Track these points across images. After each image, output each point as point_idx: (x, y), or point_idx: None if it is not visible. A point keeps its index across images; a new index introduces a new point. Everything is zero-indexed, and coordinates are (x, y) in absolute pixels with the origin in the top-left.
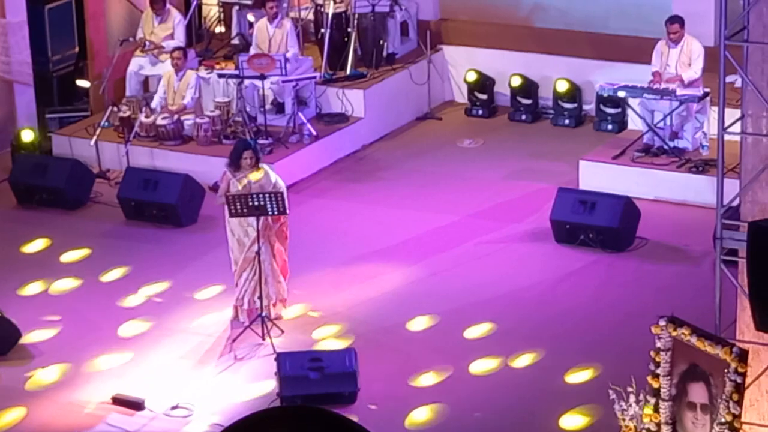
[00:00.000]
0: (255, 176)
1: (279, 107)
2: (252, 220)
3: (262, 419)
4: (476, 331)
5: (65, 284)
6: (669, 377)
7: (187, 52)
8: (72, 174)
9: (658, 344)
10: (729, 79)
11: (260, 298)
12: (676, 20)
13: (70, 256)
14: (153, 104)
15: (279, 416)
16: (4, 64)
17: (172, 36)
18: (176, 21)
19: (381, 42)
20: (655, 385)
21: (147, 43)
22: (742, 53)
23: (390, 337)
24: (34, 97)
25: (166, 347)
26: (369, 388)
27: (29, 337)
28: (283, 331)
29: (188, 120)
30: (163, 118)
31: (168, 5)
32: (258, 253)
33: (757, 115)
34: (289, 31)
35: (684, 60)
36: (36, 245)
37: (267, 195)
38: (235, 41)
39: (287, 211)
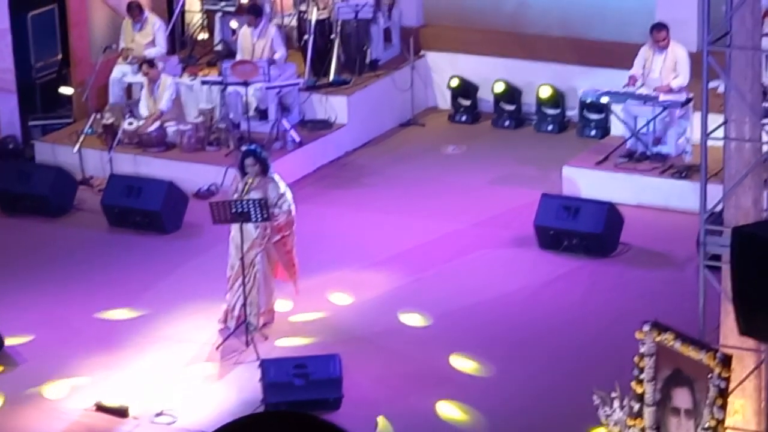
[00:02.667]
0: (260, 190)
1: (261, 114)
2: (251, 226)
3: (247, 424)
4: (460, 336)
5: (49, 291)
6: (653, 382)
7: (156, 63)
8: (55, 181)
9: (642, 349)
10: (712, 84)
11: (244, 305)
12: (664, 27)
13: (53, 263)
14: (142, 112)
15: (264, 421)
16: None
17: (153, 42)
18: (156, 27)
19: (364, 48)
20: (639, 390)
21: (130, 57)
22: (725, 58)
23: (375, 342)
24: (18, 104)
25: (150, 354)
26: (354, 394)
27: (13, 345)
28: (267, 338)
29: (171, 127)
30: (147, 126)
31: (146, 12)
32: (242, 260)
33: (740, 121)
34: (275, 35)
35: (669, 66)
36: (19, 252)
37: (251, 202)
38: (219, 48)
39: (273, 219)
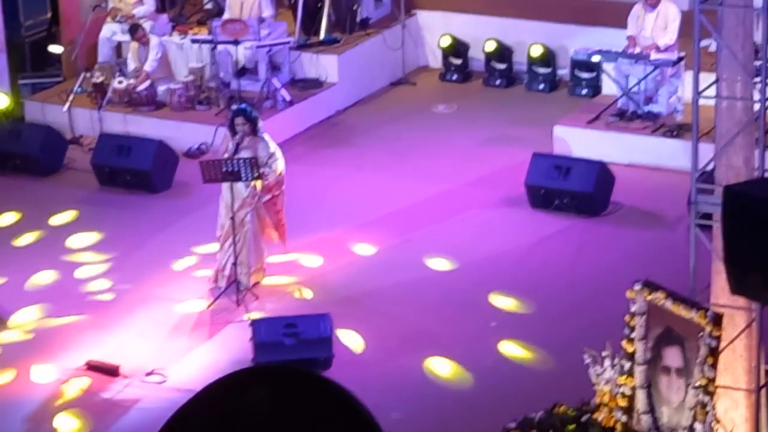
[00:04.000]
0: (250, 149)
1: (240, 71)
2: (241, 185)
3: (237, 380)
4: (451, 296)
5: (38, 250)
6: (644, 341)
7: (144, 28)
8: (45, 140)
9: (633, 308)
10: (703, 43)
11: (235, 264)
12: None
13: (43, 223)
14: (131, 68)
15: (254, 376)
16: None
17: (141, 1)
18: None
19: (355, 7)
20: (630, 349)
21: (119, 16)
22: (716, 17)
23: (365, 303)
24: (7, 63)
25: (141, 313)
26: (343, 354)
27: (2, 303)
28: (257, 297)
29: (162, 86)
30: (136, 85)
31: None
32: (233, 219)
33: (732, 79)
34: None
35: (660, 24)
36: (9, 212)
37: (242, 161)
38: (209, 6)
39: (261, 177)
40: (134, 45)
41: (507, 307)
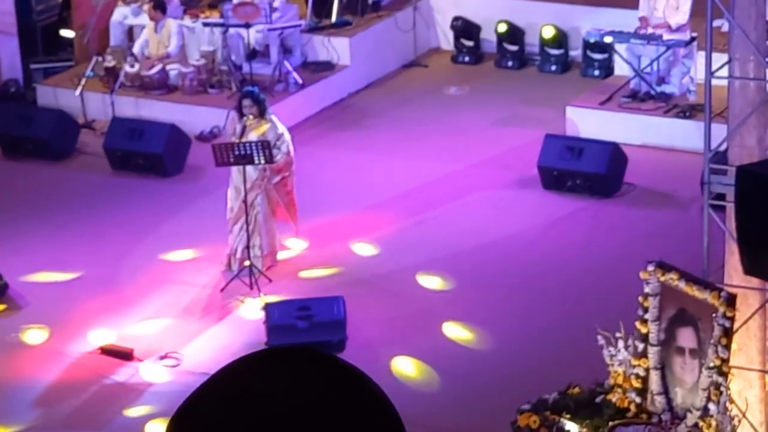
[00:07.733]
0: (258, 131)
1: (252, 54)
2: (250, 168)
3: (251, 362)
4: (464, 277)
5: (52, 235)
6: (657, 322)
7: (164, 4)
8: (57, 125)
9: (647, 289)
10: (716, 23)
11: (248, 247)
12: None
13: (56, 207)
14: (135, 49)
15: (270, 358)
16: None
17: None
18: None
19: None
20: (644, 330)
21: None
22: None
23: (377, 284)
24: (19, 47)
25: (154, 297)
26: (357, 336)
27: (16, 288)
28: (271, 280)
29: (173, 69)
30: (148, 68)
31: None
32: (245, 202)
33: (745, 59)
34: None
35: (672, 4)
36: (21, 196)
37: (254, 144)
38: None
39: (274, 161)
40: (151, 25)
41: (520, 288)
